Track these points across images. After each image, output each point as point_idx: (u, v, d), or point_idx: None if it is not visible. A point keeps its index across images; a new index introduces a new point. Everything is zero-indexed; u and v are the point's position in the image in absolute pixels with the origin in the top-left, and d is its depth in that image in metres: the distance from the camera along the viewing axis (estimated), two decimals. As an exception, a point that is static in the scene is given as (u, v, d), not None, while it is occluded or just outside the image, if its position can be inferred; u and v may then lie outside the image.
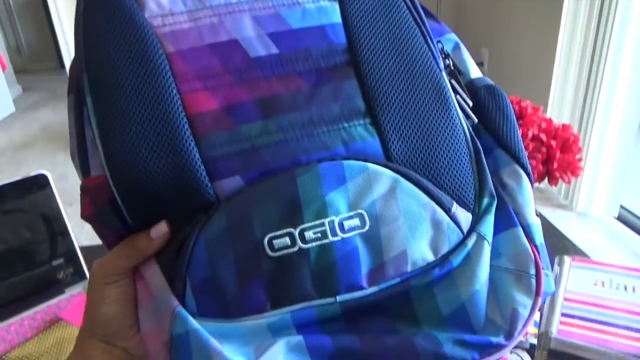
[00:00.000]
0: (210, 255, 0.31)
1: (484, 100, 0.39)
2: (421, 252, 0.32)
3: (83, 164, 0.35)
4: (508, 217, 0.35)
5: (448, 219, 0.33)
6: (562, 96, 1.93)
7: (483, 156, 0.36)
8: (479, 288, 0.32)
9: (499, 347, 0.31)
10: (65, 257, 0.80)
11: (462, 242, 0.33)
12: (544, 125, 0.79)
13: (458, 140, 0.35)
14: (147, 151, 0.31)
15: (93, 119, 0.33)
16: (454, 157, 0.35)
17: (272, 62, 0.34)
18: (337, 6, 0.37)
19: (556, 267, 0.75)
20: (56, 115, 3.70)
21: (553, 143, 0.76)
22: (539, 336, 0.62)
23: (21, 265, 0.77)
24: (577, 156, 0.79)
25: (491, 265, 0.34)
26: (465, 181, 0.35)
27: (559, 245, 0.85)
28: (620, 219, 1.87)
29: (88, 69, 0.33)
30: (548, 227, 0.91)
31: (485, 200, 0.35)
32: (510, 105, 0.39)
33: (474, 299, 0.32)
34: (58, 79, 4.47)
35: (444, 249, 0.33)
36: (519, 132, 0.38)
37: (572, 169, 0.78)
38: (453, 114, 0.36)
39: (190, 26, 0.34)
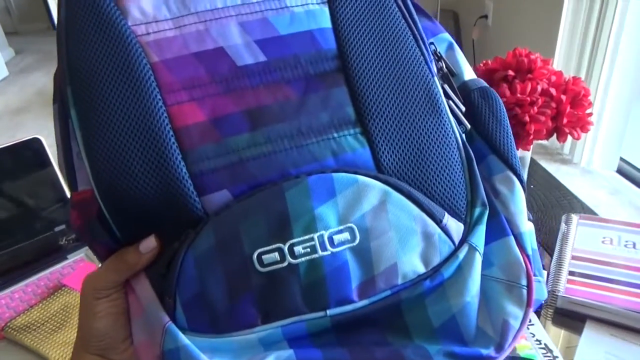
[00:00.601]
0: (200, 271, 0.30)
1: (477, 104, 0.38)
2: (412, 264, 0.32)
3: (70, 178, 0.34)
4: (500, 226, 0.35)
5: (439, 230, 0.33)
6: (569, 49, 1.88)
7: (475, 164, 0.36)
8: (469, 299, 0.32)
9: None
10: (67, 223, 0.79)
11: (453, 254, 0.33)
12: (553, 78, 0.76)
13: (450, 148, 0.34)
14: (133, 166, 0.31)
15: (78, 132, 0.32)
16: (446, 167, 0.34)
17: (260, 70, 0.33)
18: (326, 10, 0.35)
19: (563, 225, 0.74)
20: (50, 78, 3.63)
21: (563, 97, 0.74)
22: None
23: (23, 232, 0.77)
24: (587, 111, 0.76)
25: (482, 275, 0.33)
26: (457, 191, 0.34)
27: (565, 202, 0.84)
28: (619, 171, 1.86)
29: (72, 82, 0.32)
30: (555, 184, 0.90)
31: (477, 210, 0.35)
32: (504, 108, 0.38)
33: (465, 310, 0.32)
34: (50, 40, 4.36)
35: (435, 260, 0.33)
36: (512, 137, 0.37)
37: (582, 124, 0.75)
38: (445, 121, 0.35)
39: (175, 34, 0.33)
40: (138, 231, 0.32)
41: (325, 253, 0.30)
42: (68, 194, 0.78)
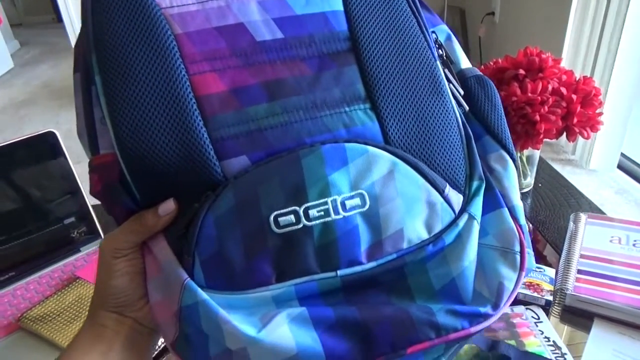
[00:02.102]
0: (219, 231, 0.32)
1: (473, 90, 0.41)
2: (416, 230, 0.34)
3: (92, 143, 0.35)
4: (495, 199, 0.38)
5: (442, 199, 0.35)
6: (576, 47, 1.87)
7: (473, 141, 0.38)
8: (468, 264, 0.34)
9: (486, 317, 0.33)
10: (77, 215, 0.80)
11: (454, 222, 0.35)
12: (564, 78, 0.77)
13: (451, 126, 0.37)
14: (157, 130, 0.32)
15: (102, 98, 0.33)
16: (448, 142, 0.37)
17: (277, 47, 0.35)
18: None
19: (571, 224, 0.75)
20: (56, 71, 3.64)
21: (574, 97, 0.74)
22: (555, 293, 0.62)
23: (34, 224, 0.77)
24: (597, 110, 0.77)
25: (479, 244, 0.36)
26: (458, 164, 0.37)
27: (573, 201, 0.85)
28: (625, 170, 1.86)
29: (97, 48, 0.33)
30: (562, 183, 0.90)
31: (475, 183, 0.37)
32: (498, 93, 0.41)
33: (464, 274, 0.34)
34: (55, 32, 4.36)
35: (438, 227, 0.35)
36: (505, 120, 0.40)
37: (592, 124, 0.76)
38: (447, 101, 0.37)
39: (197, 9, 0.35)
40: (158, 194, 0.33)
41: (337, 217, 0.32)
42: (81, 187, 0.79)
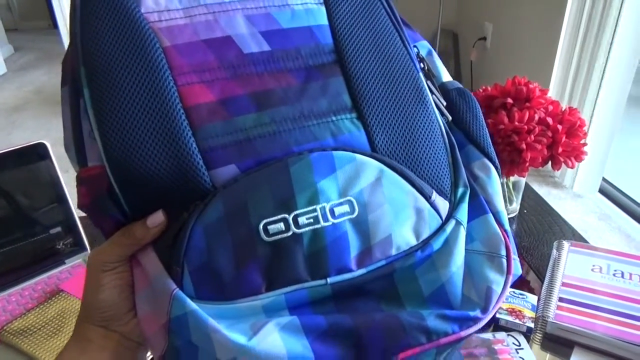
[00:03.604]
0: (208, 240, 0.32)
1: (455, 101, 0.42)
2: (405, 236, 0.35)
3: (80, 156, 0.35)
4: (480, 205, 0.39)
5: (429, 206, 0.36)
6: (564, 74, 1.92)
7: (457, 150, 0.39)
8: (456, 270, 0.34)
9: (476, 320, 0.33)
10: (63, 226, 0.79)
11: (441, 228, 0.36)
12: (550, 108, 0.79)
13: (435, 134, 0.38)
14: (145, 141, 0.32)
15: (91, 110, 0.33)
16: (433, 150, 0.37)
17: (265, 59, 0.36)
18: (323, 9, 0.39)
19: (554, 251, 0.76)
20: (49, 77, 3.63)
21: (559, 127, 0.76)
22: (536, 320, 0.63)
23: (19, 233, 0.77)
24: (582, 141, 0.79)
25: (466, 249, 0.36)
26: (443, 172, 0.38)
27: (557, 228, 0.86)
28: (609, 197, 1.89)
29: (85, 62, 0.34)
30: (546, 210, 0.92)
31: (460, 190, 0.38)
32: (479, 105, 0.43)
33: (452, 280, 0.34)
34: (50, 38, 4.36)
35: (425, 233, 0.35)
36: (487, 130, 0.42)
37: (576, 154, 0.78)
38: (430, 110, 0.38)
39: (185, 22, 0.35)
40: (147, 205, 0.33)
41: (327, 224, 0.33)
42: (68, 197, 0.79)
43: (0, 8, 4.55)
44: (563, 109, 0.79)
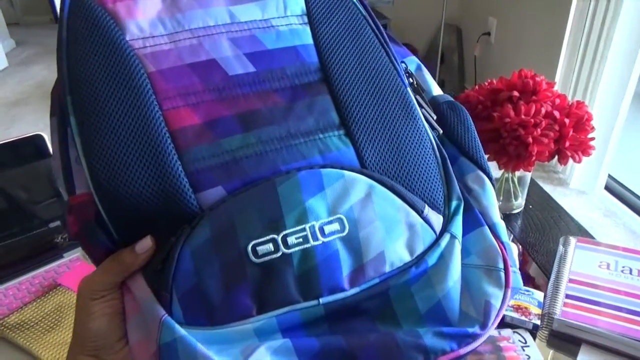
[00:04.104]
0: (196, 264, 0.31)
1: (446, 115, 0.42)
2: (398, 252, 0.34)
3: (67, 183, 0.35)
4: (474, 218, 0.38)
5: (421, 220, 0.35)
6: (569, 69, 1.90)
7: (449, 163, 0.39)
8: (452, 284, 0.34)
9: (475, 337, 0.32)
10: (62, 220, 0.78)
11: (435, 242, 0.35)
12: (557, 101, 0.77)
13: (425, 148, 0.38)
14: (131, 166, 0.32)
15: (77, 138, 0.33)
16: (423, 164, 0.37)
17: (250, 80, 0.36)
18: (308, 29, 0.39)
19: (561, 247, 0.74)
20: (51, 72, 3.61)
21: (566, 121, 0.74)
22: (542, 317, 0.62)
23: (18, 226, 0.76)
24: (589, 135, 0.77)
25: (462, 264, 0.35)
26: (435, 185, 0.37)
27: (563, 224, 0.85)
28: (614, 194, 1.88)
29: (72, 90, 0.34)
30: (552, 206, 0.90)
31: (454, 203, 0.37)
32: (470, 117, 0.42)
33: (449, 295, 0.33)
34: (52, 33, 4.35)
35: (419, 249, 0.35)
36: (479, 142, 0.41)
37: (583, 148, 0.76)
38: (419, 125, 0.38)
39: (170, 47, 0.35)
40: (135, 231, 0.33)
41: (316, 243, 0.32)
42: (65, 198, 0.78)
43: (2, 2, 4.53)
44: (570, 103, 0.78)
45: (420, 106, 0.39)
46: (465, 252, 0.36)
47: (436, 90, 0.44)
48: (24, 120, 2.87)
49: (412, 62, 0.44)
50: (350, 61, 0.38)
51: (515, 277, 0.36)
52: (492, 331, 0.57)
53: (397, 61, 0.40)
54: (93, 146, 0.32)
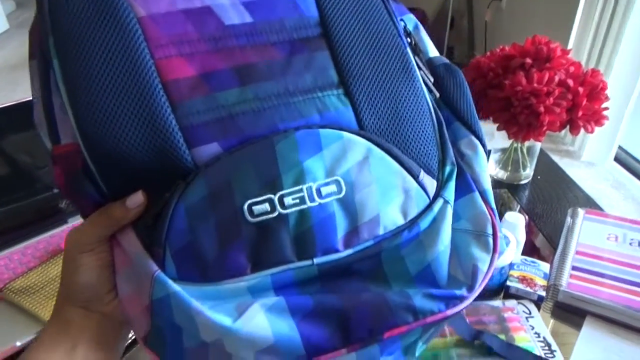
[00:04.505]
0: (190, 221, 0.31)
1: (442, 77, 0.41)
2: (392, 216, 0.34)
3: (52, 132, 0.33)
4: (466, 184, 0.38)
5: (416, 185, 0.35)
6: (583, 36, 1.84)
7: (445, 127, 0.39)
8: (443, 249, 0.34)
9: (462, 299, 0.33)
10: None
11: (428, 207, 0.35)
12: (572, 69, 0.75)
13: (423, 111, 0.37)
14: (121, 117, 0.30)
15: (62, 84, 0.31)
16: (421, 127, 0.36)
17: (247, 31, 0.34)
18: None
19: (569, 219, 0.73)
20: (52, 34, 3.55)
21: (580, 90, 0.72)
22: (548, 288, 0.62)
23: (22, 191, 0.76)
24: (603, 105, 0.75)
25: (452, 228, 0.36)
26: (431, 150, 0.37)
27: (572, 196, 0.84)
28: (621, 164, 1.85)
29: (54, 31, 0.31)
30: (561, 177, 0.89)
31: (448, 168, 0.37)
32: (466, 81, 0.41)
33: (439, 259, 0.34)
34: (53, -5, 4.25)
35: (413, 213, 0.35)
36: (474, 107, 0.40)
37: (597, 118, 0.74)
38: (418, 87, 0.37)
39: None
40: (125, 184, 0.32)
41: (313, 204, 0.32)
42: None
43: (1, -39, 4.42)
44: (585, 71, 0.75)
45: (419, 68, 0.39)
46: (455, 217, 0.36)
47: (433, 52, 0.43)
48: (26, 84, 2.83)
49: (410, 20, 0.43)
50: (351, 17, 0.36)
51: (501, 242, 0.36)
52: (496, 302, 0.57)
53: (397, 19, 0.38)
54: (79, 94, 0.30)
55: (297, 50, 0.35)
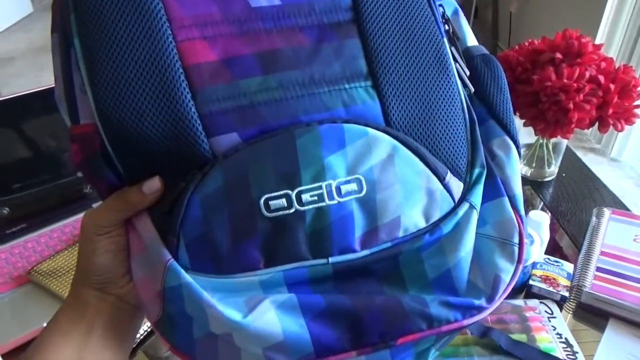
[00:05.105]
0: (205, 212, 0.30)
1: (479, 70, 0.39)
2: (414, 218, 0.33)
3: (71, 111, 0.32)
4: (495, 187, 0.36)
5: (442, 187, 0.33)
6: (613, 29, 1.79)
7: (477, 126, 0.36)
8: (464, 255, 0.33)
9: (480, 309, 0.32)
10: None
11: (453, 210, 0.34)
12: (603, 65, 0.73)
13: (455, 108, 0.35)
14: (140, 100, 0.30)
15: (82, 64, 0.30)
16: (451, 126, 0.35)
17: (274, 14, 0.32)
18: None
19: (594, 218, 0.72)
20: (75, 18, 3.58)
21: (611, 86, 0.70)
22: (571, 289, 0.61)
23: (47, 175, 0.77)
24: (635, 102, 0.73)
25: (476, 233, 0.34)
26: (460, 150, 0.35)
27: (597, 195, 0.82)
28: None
29: (76, 8, 0.30)
30: (587, 175, 0.87)
31: (477, 170, 0.35)
32: (504, 76, 0.39)
33: (459, 265, 0.32)
34: (76, -22, 4.28)
35: (436, 216, 0.33)
36: (511, 104, 0.38)
37: (627, 116, 0.72)
38: (452, 81, 0.35)
39: None
40: (143, 169, 0.31)
41: (332, 202, 0.31)
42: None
43: (26, -55, 4.45)
44: (617, 67, 0.73)
45: (455, 60, 0.36)
46: (481, 221, 0.35)
47: (471, 40, 0.40)
48: (51, 66, 2.87)
49: (450, 4, 0.40)
50: (385, 2, 0.34)
51: (528, 249, 0.35)
52: (517, 301, 0.57)
53: (435, 5, 0.36)
54: (99, 75, 0.30)
55: (326, 36, 0.33)
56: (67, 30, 0.31)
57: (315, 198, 0.30)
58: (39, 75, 2.77)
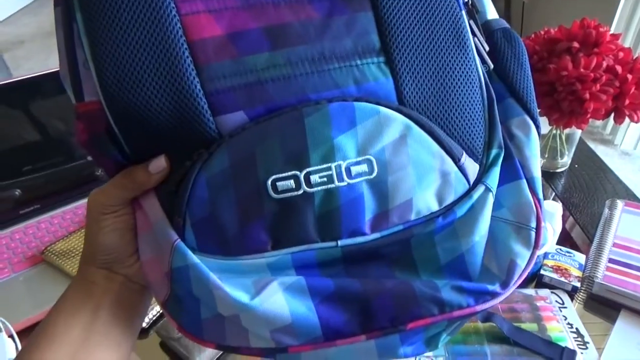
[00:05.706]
0: (211, 193, 0.30)
1: (499, 45, 0.36)
2: (427, 201, 0.32)
3: (75, 88, 0.32)
4: (513, 169, 0.34)
5: (456, 169, 0.32)
6: (629, 18, 1.76)
7: (495, 105, 0.35)
8: (478, 239, 0.32)
9: (494, 295, 0.31)
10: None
11: (467, 193, 0.33)
12: (621, 55, 0.72)
13: (473, 87, 0.33)
14: (144, 77, 0.29)
15: (85, 39, 0.29)
16: (468, 105, 0.33)
17: None
18: None
19: (606, 210, 0.72)
20: None
21: (629, 77, 0.69)
22: (583, 279, 0.61)
23: (60, 157, 0.78)
24: (652, 93, 0.72)
25: (492, 216, 0.33)
26: (477, 131, 0.33)
27: (610, 186, 0.81)
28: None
29: None
30: (599, 166, 0.86)
31: (494, 152, 0.34)
32: (526, 52, 0.37)
33: (473, 249, 0.31)
34: (85, -39, 4.26)
35: (449, 199, 0.32)
36: (532, 82, 0.36)
37: (644, 107, 0.71)
38: (470, 58, 0.33)
39: None
40: (148, 148, 0.31)
41: (341, 184, 0.30)
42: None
43: None
44: (635, 57, 0.72)
45: (473, 34, 0.34)
46: (497, 204, 0.33)
47: (491, 14, 0.38)
48: (59, 51, 2.87)
49: None
50: None
51: (544, 233, 0.33)
52: (528, 290, 0.56)
53: None
54: (102, 50, 0.29)
55: (337, 8, 0.31)
56: (69, 4, 0.30)
57: (325, 179, 0.30)
58: (48, 58, 2.77)
